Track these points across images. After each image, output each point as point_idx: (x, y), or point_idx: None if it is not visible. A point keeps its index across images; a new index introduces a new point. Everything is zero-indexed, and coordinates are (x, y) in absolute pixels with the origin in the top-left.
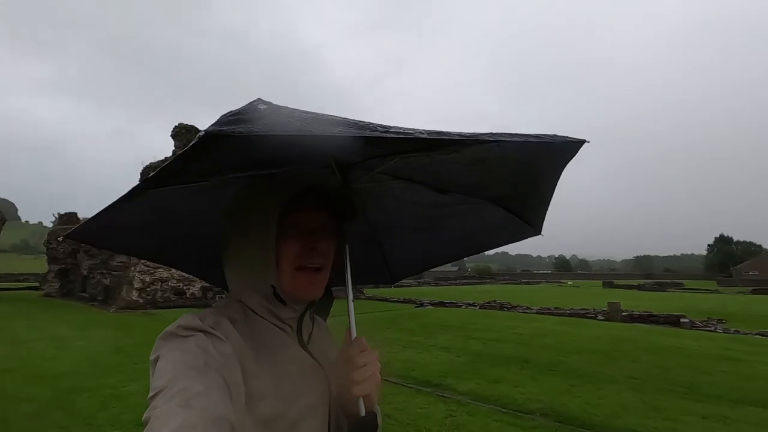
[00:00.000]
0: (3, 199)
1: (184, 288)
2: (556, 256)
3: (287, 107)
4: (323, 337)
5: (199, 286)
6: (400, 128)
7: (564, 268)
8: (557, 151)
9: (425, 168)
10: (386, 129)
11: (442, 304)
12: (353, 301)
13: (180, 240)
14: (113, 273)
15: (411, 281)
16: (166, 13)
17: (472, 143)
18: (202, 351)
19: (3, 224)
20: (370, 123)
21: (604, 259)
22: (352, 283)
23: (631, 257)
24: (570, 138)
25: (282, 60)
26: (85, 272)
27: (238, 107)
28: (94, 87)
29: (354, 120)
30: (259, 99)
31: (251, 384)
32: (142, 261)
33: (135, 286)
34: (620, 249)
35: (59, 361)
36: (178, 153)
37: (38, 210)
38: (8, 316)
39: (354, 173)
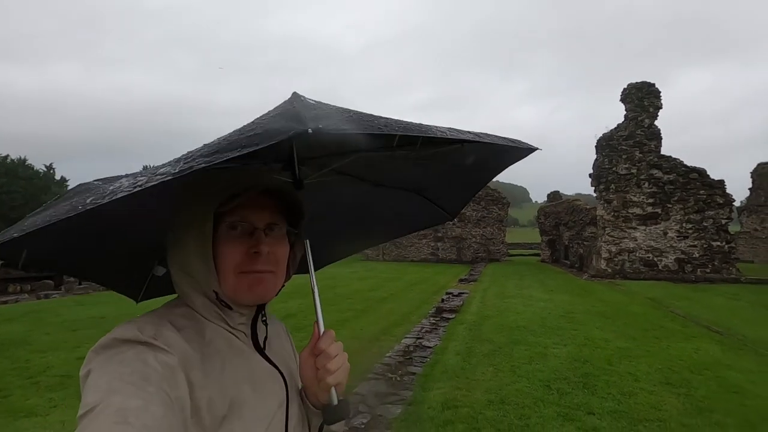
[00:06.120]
0: (517, 185)
1: (655, 259)
2: None
3: (325, 104)
4: (281, 341)
5: (673, 258)
6: (423, 125)
7: None
8: (508, 154)
9: (377, 164)
10: (407, 128)
11: None
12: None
13: (104, 248)
14: (585, 243)
15: None
16: None
17: (451, 143)
18: (141, 363)
19: (508, 206)
20: (381, 118)
21: None
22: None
23: None
24: (525, 144)
25: None
26: (566, 242)
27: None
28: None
29: (372, 115)
30: (295, 93)
31: (198, 395)
32: (608, 232)
33: (603, 256)
34: None
35: (520, 316)
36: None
37: (544, 191)
38: (508, 276)
39: (304, 169)
